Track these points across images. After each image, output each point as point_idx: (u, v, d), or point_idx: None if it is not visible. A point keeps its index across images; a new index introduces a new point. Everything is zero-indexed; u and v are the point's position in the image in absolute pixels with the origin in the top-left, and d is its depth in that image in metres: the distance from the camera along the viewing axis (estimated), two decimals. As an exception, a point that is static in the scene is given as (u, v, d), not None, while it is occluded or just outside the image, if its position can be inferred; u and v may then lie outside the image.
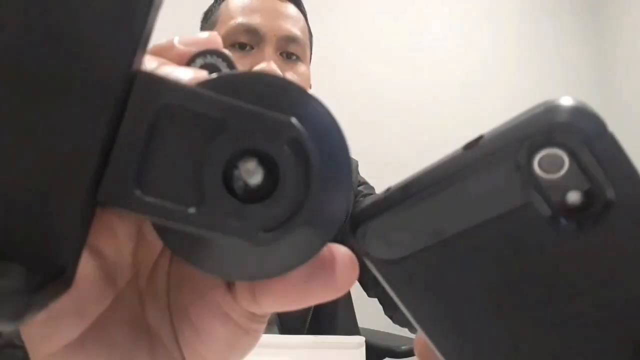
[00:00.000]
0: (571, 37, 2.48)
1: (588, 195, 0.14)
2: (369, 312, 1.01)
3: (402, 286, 0.17)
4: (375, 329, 1.32)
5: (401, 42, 2.13)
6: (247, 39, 0.71)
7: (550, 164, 0.14)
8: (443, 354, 0.17)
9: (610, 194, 0.14)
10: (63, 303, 0.15)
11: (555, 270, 0.15)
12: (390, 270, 0.17)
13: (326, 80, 1.95)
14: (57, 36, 0.12)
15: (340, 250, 0.17)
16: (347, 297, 0.87)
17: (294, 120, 0.14)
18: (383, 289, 0.20)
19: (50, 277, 0.13)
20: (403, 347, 1.21)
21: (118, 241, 0.17)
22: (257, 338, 0.19)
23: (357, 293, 0.87)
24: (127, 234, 0.17)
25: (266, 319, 0.19)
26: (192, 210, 0.14)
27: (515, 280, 0.16)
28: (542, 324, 0.16)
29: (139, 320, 0.19)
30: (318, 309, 0.78)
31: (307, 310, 0.76)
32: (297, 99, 0.15)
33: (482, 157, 0.15)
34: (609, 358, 0.16)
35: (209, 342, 0.19)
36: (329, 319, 0.82)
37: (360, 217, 0.17)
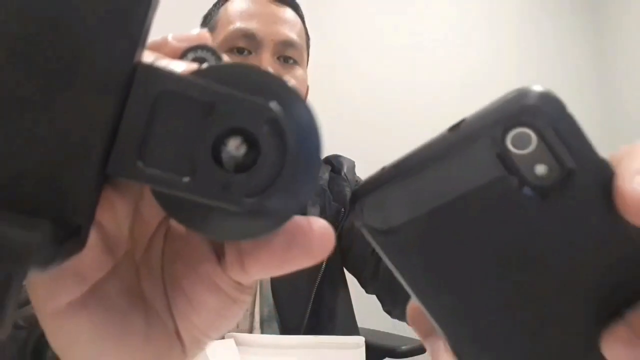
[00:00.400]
0: (571, 37, 2.48)
1: (553, 166, 0.17)
2: (369, 312, 1.01)
3: (395, 253, 0.20)
4: (375, 329, 1.32)
5: (401, 42, 2.13)
6: (245, 44, 0.73)
7: (521, 141, 0.17)
8: (434, 317, 0.20)
9: (571, 163, 0.17)
10: (67, 266, 0.17)
11: (529, 235, 0.18)
12: (385, 239, 0.20)
13: (326, 80, 1.95)
14: (72, 32, 0.16)
15: (318, 222, 0.19)
16: (346, 294, 0.87)
17: (272, 104, 0.17)
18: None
19: (69, 235, 0.16)
20: (403, 347, 1.21)
21: (117, 217, 0.19)
22: (243, 308, 0.22)
23: (357, 293, 0.87)
24: (125, 211, 0.20)
25: (251, 291, 0.22)
26: (186, 179, 0.16)
27: (496, 245, 0.18)
28: (522, 285, 0.18)
29: (135, 290, 0.21)
30: (318, 304, 0.79)
31: (305, 305, 0.77)
32: (276, 88, 0.18)
33: (463, 137, 0.18)
34: (579, 314, 0.18)
35: (200, 312, 0.21)
36: (328, 314, 0.82)
37: (358, 193, 0.20)
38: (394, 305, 0.80)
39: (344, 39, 2.02)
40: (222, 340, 0.61)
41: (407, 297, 0.22)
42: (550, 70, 2.40)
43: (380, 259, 0.73)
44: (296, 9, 0.80)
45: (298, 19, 0.79)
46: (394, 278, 0.20)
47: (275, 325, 0.77)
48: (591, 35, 2.51)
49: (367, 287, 0.84)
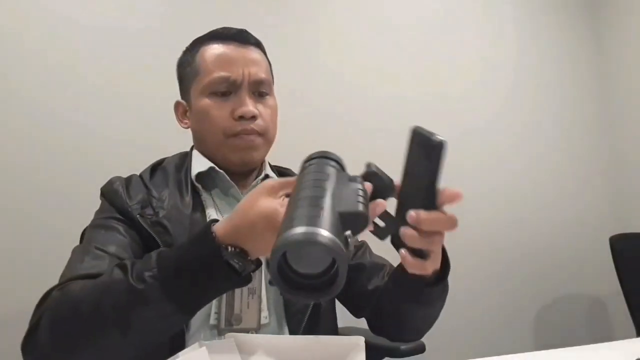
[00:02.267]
0: (571, 38, 2.47)
1: None
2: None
3: None
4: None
5: (397, 40, 2.13)
6: (226, 88, 0.89)
7: None
8: None
9: None
10: None
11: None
12: None
13: (327, 90, 1.95)
14: None
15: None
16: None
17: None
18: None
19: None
20: (403, 347, 1.21)
21: None
22: None
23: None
24: None
25: None
26: None
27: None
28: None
29: None
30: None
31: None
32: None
33: None
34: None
35: None
36: (330, 301, 0.91)
37: None
38: (361, 309, 0.91)
39: (343, 52, 2.03)
40: (222, 340, 0.61)
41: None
42: (549, 70, 2.40)
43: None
44: (259, 45, 0.95)
45: (263, 56, 0.95)
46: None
47: (281, 310, 0.84)
48: (591, 35, 2.51)
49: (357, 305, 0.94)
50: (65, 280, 0.69)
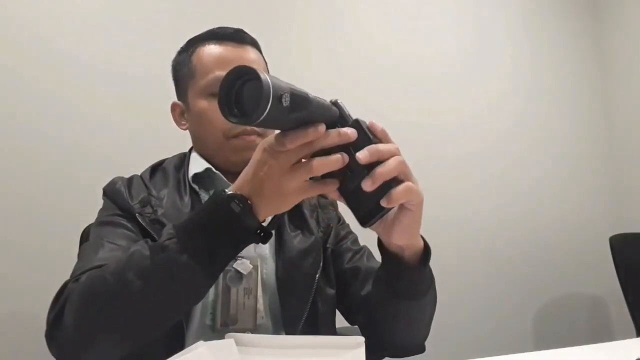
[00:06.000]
0: (571, 34, 2.47)
1: None
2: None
3: None
4: (375, 328, 1.32)
5: (396, 41, 2.13)
6: None
7: None
8: None
9: None
10: None
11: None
12: None
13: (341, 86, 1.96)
14: None
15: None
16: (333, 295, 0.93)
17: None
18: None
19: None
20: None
21: None
22: None
23: (357, 293, 0.87)
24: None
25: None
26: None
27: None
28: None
29: None
30: (318, 294, 0.86)
31: (307, 295, 0.85)
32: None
33: None
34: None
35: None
36: (327, 304, 0.89)
37: None
38: (357, 313, 0.89)
39: (351, 52, 2.03)
40: (222, 340, 0.61)
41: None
42: (549, 69, 2.40)
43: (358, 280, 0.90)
44: (256, 45, 0.96)
45: (259, 55, 0.95)
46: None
47: (277, 311, 0.83)
48: (591, 33, 2.51)
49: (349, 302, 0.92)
50: (81, 272, 0.69)
